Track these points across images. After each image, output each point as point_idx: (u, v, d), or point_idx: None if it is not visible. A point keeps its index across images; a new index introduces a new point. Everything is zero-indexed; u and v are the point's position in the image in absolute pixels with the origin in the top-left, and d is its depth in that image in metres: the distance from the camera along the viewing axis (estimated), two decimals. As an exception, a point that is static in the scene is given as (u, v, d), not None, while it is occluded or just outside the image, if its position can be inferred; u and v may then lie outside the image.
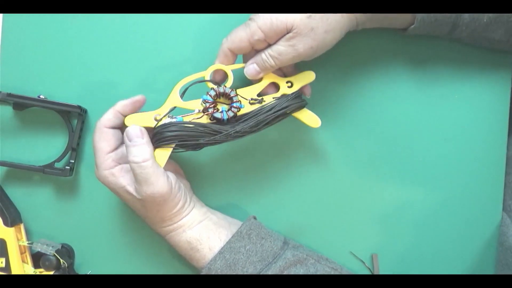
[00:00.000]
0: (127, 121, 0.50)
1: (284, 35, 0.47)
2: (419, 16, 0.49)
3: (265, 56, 0.48)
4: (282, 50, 0.47)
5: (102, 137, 0.49)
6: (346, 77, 0.57)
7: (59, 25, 0.57)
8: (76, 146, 0.56)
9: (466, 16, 0.49)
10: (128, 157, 0.48)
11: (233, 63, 0.51)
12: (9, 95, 0.54)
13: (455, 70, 0.56)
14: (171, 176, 0.50)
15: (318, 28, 0.46)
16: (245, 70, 0.50)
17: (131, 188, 0.49)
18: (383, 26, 0.52)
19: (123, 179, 0.49)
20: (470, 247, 0.57)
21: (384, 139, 0.57)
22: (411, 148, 0.57)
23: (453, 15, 0.49)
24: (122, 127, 0.51)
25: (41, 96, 0.55)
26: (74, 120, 0.57)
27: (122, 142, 0.51)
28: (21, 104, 0.55)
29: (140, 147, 0.48)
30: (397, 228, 0.57)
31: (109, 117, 0.50)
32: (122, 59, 0.57)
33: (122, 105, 0.50)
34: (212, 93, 0.50)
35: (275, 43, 0.48)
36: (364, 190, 0.57)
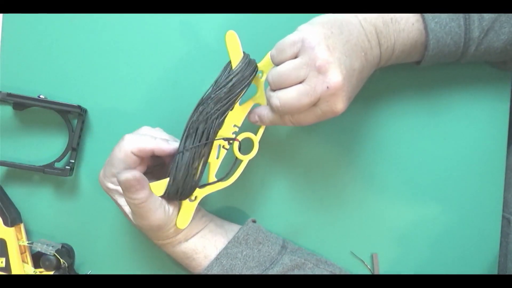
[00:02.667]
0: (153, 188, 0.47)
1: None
2: (425, 63, 0.49)
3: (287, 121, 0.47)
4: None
5: (123, 159, 0.47)
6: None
7: (59, 25, 0.57)
8: (76, 146, 0.56)
9: (469, 56, 0.49)
10: (124, 195, 0.46)
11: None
12: (9, 95, 0.54)
13: (455, 85, 0.56)
14: (171, 203, 0.49)
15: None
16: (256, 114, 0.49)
17: (127, 209, 0.48)
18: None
19: (123, 199, 0.48)
20: (472, 252, 0.57)
21: (382, 148, 0.57)
22: (410, 156, 0.57)
23: (458, 56, 0.49)
24: (144, 159, 0.49)
25: (41, 96, 0.55)
26: (74, 120, 0.57)
27: (136, 165, 0.49)
28: (21, 104, 0.55)
29: (136, 193, 0.45)
30: (397, 229, 0.57)
31: (142, 147, 0.47)
32: (122, 58, 0.57)
33: (160, 149, 0.47)
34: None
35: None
36: (364, 191, 0.57)
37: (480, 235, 0.57)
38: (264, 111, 0.48)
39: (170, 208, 0.48)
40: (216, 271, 0.49)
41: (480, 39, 0.48)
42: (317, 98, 0.43)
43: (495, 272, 0.57)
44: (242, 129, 0.50)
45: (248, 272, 0.49)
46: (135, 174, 0.44)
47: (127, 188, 0.44)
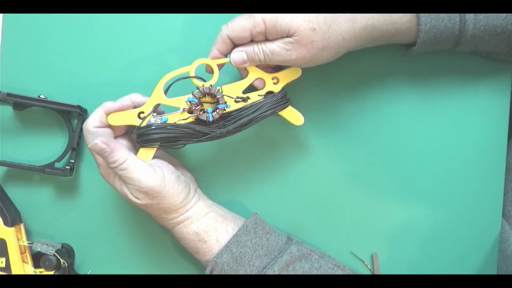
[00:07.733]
0: (110, 120, 0.49)
1: (284, 37, 0.47)
2: (420, 39, 0.49)
3: (257, 49, 0.48)
4: (276, 50, 0.48)
5: (94, 138, 0.49)
6: (350, 91, 0.57)
7: (59, 25, 0.57)
8: (76, 146, 0.56)
9: (468, 35, 0.49)
10: (107, 163, 0.48)
11: (229, 52, 0.50)
12: (9, 95, 0.54)
13: (455, 78, 0.56)
14: (163, 167, 0.50)
15: (318, 43, 0.47)
16: (232, 56, 0.49)
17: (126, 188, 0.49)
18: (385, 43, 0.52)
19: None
20: (470, 251, 0.57)
21: (382, 146, 0.57)
22: (409, 153, 0.57)
23: (456, 33, 0.49)
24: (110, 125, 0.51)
25: (41, 96, 0.55)
26: (74, 120, 0.57)
27: (115, 137, 0.51)
28: (21, 104, 0.55)
29: (111, 155, 0.47)
30: (397, 229, 0.57)
31: (95, 119, 0.49)
32: (123, 59, 0.57)
33: (109, 107, 0.50)
34: (198, 94, 0.49)
35: (272, 40, 0.48)
36: (364, 191, 0.57)
37: (481, 234, 0.57)
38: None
39: (163, 171, 0.49)
40: (226, 258, 0.49)
41: (476, 15, 0.48)
42: None
43: (495, 271, 0.57)
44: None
45: (258, 260, 0.50)
46: (100, 138, 0.48)
47: (100, 153, 0.48)
